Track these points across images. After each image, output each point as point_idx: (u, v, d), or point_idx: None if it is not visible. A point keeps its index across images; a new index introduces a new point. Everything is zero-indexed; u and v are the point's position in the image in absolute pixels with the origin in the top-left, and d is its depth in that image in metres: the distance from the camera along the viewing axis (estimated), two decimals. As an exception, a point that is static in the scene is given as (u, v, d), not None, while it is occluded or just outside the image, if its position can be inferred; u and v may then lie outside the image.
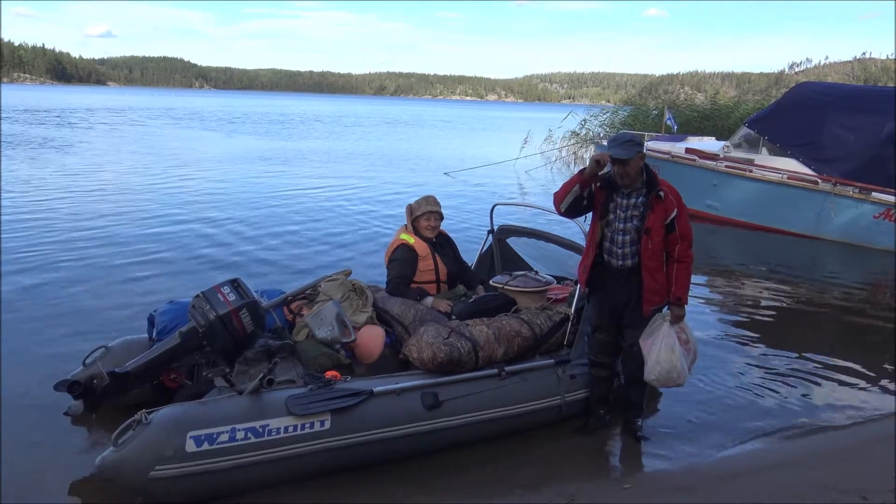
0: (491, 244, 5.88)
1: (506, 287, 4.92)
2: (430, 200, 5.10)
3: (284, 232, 10.32)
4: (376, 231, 10.61)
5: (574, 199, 4.04)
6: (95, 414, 3.86)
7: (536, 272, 5.34)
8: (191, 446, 3.26)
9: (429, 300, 4.79)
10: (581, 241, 4.61)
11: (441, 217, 5.13)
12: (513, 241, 5.90)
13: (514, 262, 5.79)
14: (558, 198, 4.10)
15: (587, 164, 3.98)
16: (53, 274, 7.45)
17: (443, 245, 5.18)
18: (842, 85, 15.27)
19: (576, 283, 4.77)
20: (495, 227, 5.85)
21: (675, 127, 17.32)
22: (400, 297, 4.73)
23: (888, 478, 3.92)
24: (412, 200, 5.19)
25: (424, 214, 5.04)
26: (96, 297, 6.75)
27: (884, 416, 5.02)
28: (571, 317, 4.54)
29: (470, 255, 5.84)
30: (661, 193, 3.97)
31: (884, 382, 5.62)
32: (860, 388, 5.50)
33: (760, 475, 4.02)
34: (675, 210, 3.98)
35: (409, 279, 4.90)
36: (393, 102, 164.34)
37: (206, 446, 3.29)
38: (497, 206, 5.86)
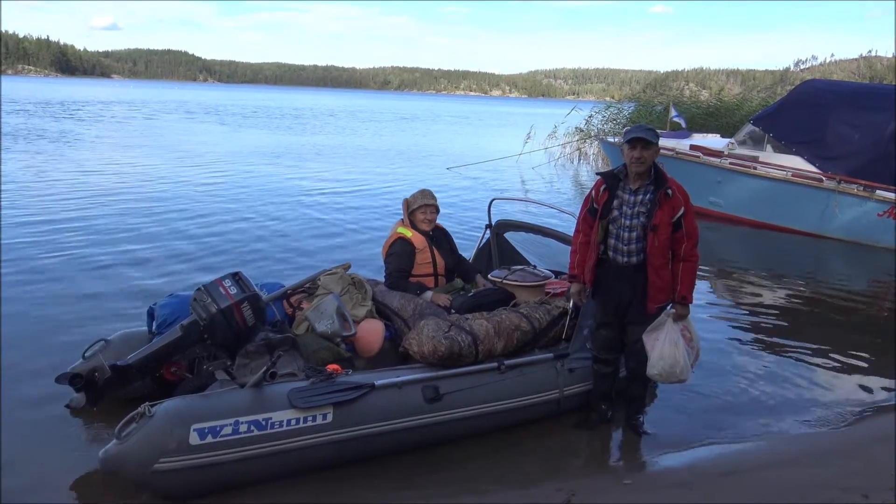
0: (489, 238, 5.88)
1: (505, 281, 4.93)
2: (425, 194, 5.12)
3: (287, 226, 10.33)
4: (379, 225, 10.61)
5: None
6: (97, 407, 3.87)
7: (535, 266, 5.34)
8: (194, 439, 3.27)
9: (428, 294, 4.81)
10: None
11: (437, 210, 5.15)
12: (510, 236, 5.90)
13: (511, 257, 5.79)
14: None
15: (571, 290, 4.30)
16: (52, 267, 7.48)
17: (440, 238, 5.20)
18: (847, 83, 15.24)
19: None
20: (493, 222, 5.85)
21: (685, 123, 17.24)
22: (399, 290, 4.74)
23: (889, 476, 3.92)
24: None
25: (421, 208, 5.06)
26: (94, 290, 6.75)
27: (885, 414, 5.02)
28: (570, 311, 4.55)
29: (468, 250, 5.84)
30: (670, 191, 3.96)
31: (886, 381, 5.62)
32: (862, 387, 5.49)
33: (761, 472, 4.02)
34: (683, 208, 3.98)
35: (407, 273, 4.92)
36: (402, 98, 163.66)
37: (209, 439, 3.30)
38: (495, 201, 5.86)
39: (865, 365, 5.95)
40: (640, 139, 3.94)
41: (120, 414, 3.41)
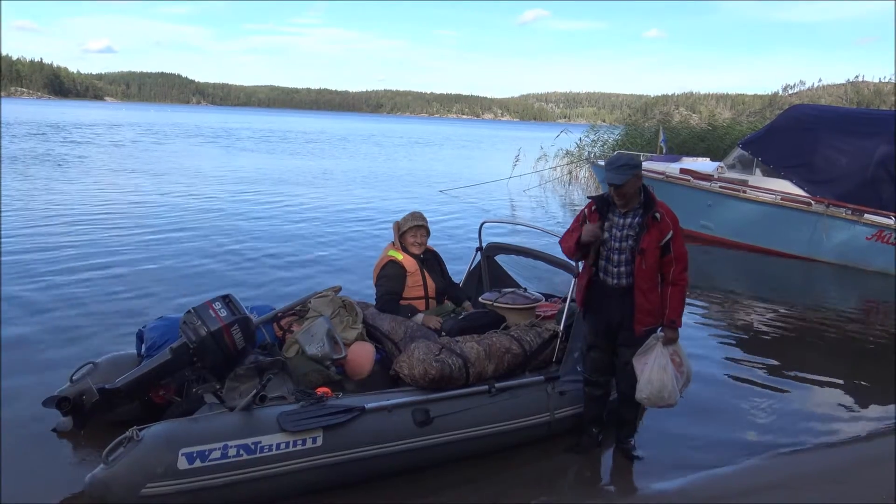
0: (479, 261, 5.89)
1: (495, 304, 4.93)
2: (415, 216, 5.13)
3: (279, 249, 10.32)
4: (370, 244, 10.62)
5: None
6: (84, 431, 3.83)
7: (525, 289, 5.35)
8: (182, 463, 3.24)
9: (419, 317, 4.80)
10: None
11: (428, 232, 5.16)
12: (501, 259, 5.91)
13: (502, 280, 5.80)
14: (566, 255, 4.27)
15: (583, 230, 4.06)
16: (40, 288, 7.43)
17: (430, 261, 5.20)
18: (835, 108, 15.42)
19: (564, 301, 4.80)
20: (483, 245, 5.87)
21: (665, 148, 17.58)
22: (390, 313, 4.73)
23: (882, 499, 3.91)
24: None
25: (410, 230, 5.07)
26: (84, 312, 6.71)
27: (879, 437, 5.02)
28: (560, 334, 4.55)
29: (459, 273, 5.84)
30: (658, 215, 3.98)
31: (878, 404, 5.63)
32: (854, 410, 5.50)
33: (752, 496, 4.02)
34: (671, 232, 3.99)
35: (398, 295, 4.92)
36: (399, 121, 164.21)
37: (198, 463, 3.27)
38: (486, 224, 5.88)
39: (858, 388, 5.96)
40: (612, 184, 3.98)
41: (107, 438, 3.38)
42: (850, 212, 11.27)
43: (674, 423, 4.89)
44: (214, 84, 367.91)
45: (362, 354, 4.31)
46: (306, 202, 15.65)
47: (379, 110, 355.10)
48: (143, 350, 4.25)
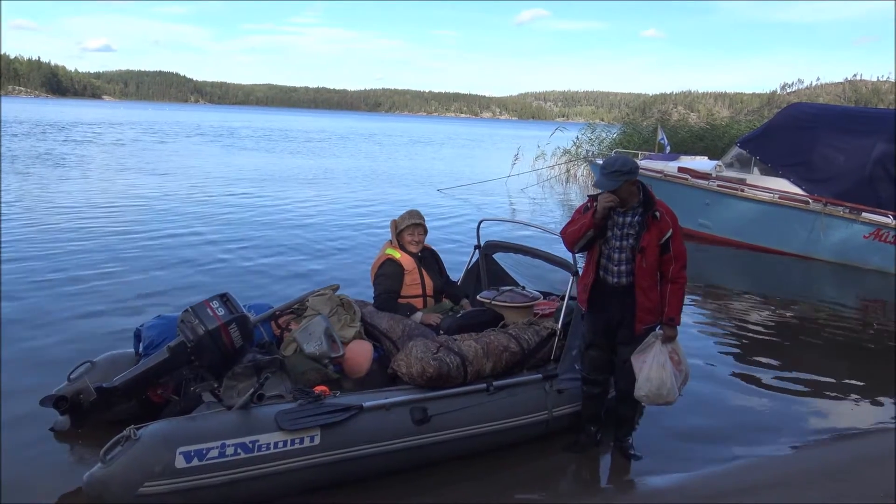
0: (477, 260, 5.89)
1: (493, 302, 4.92)
2: (413, 214, 5.13)
3: (277, 249, 10.32)
4: (369, 243, 10.62)
5: (588, 240, 4.11)
6: (81, 429, 3.82)
7: (523, 287, 5.35)
8: (180, 462, 3.24)
9: (418, 315, 4.80)
10: (566, 255, 4.63)
11: (425, 230, 5.16)
12: (499, 257, 5.91)
13: (500, 278, 5.80)
14: (571, 240, 4.15)
15: (597, 203, 4.00)
16: (38, 287, 7.42)
17: (428, 259, 5.21)
18: (833, 106, 15.43)
19: (562, 299, 4.80)
20: (482, 243, 5.87)
21: (668, 147, 17.54)
22: (388, 312, 4.73)
23: (880, 497, 3.92)
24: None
25: (408, 228, 5.07)
26: (82, 311, 6.70)
27: (876, 435, 5.03)
28: (558, 332, 4.55)
29: (458, 271, 5.85)
30: (658, 214, 3.99)
31: (877, 402, 5.63)
32: (853, 408, 5.51)
33: (750, 495, 4.02)
34: (671, 230, 4.00)
35: (396, 294, 4.92)
36: (398, 120, 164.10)
37: (195, 462, 3.27)
38: (484, 222, 5.88)
39: (857, 386, 5.96)
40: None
41: (105, 437, 3.39)
42: (847, 210, 11.27)
43: (672, 421, 4.90)
44: (212, 82, 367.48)
45: (360, 353, 4.31)
46: (309, 202, 15.62)
47: (377, 109, 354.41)
48: (140, 349, 4.25)
